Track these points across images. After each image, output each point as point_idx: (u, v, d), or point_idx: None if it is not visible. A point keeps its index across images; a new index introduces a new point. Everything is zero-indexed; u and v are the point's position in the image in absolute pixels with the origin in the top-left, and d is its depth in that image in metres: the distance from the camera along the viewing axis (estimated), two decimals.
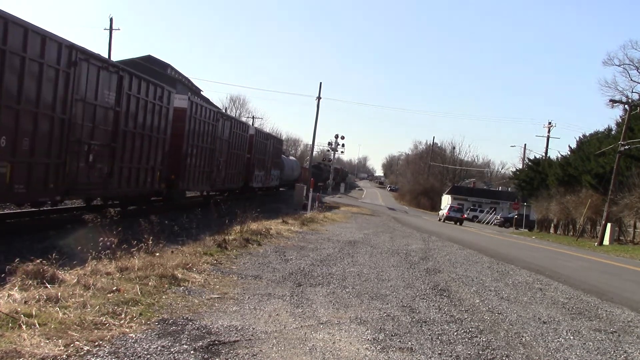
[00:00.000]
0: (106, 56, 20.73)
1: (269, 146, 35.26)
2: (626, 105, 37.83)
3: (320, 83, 50.04)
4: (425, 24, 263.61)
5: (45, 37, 11.02)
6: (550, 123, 56.96)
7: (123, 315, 5.41)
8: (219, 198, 25.72)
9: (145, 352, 4.56)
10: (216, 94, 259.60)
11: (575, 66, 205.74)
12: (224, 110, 53.45)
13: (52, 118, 11.54)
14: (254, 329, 5.60)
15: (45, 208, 15.09)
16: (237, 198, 29.44)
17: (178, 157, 19.53)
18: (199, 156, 21.87)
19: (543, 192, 44.93)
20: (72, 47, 12.00)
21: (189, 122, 20.14)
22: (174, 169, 19.32)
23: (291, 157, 63.12)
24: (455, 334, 6.29)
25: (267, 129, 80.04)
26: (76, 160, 12.74)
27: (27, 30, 10.41)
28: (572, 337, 6.75)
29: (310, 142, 58.68)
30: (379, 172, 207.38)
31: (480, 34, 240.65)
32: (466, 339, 6.10)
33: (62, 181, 12.13)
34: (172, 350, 4.68)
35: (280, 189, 47.56)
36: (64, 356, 4.26)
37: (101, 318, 5.21)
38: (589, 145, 41.89)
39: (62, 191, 12.30)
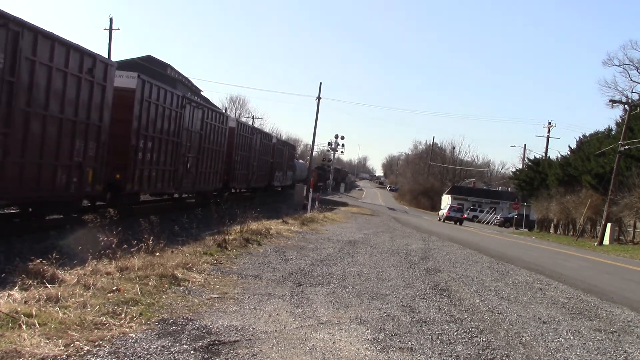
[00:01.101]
0: (106, 56, 20.42)
1: (285, 152, 41.29)
2: (626, 105, 37.82)
3: (320, 83, 50.15)
4: (425, 24, 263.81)
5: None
6: (550, 123, 56.96)
7: (123, 315, 5.41)
8: (248, 194, 32.91)
9: (145, 352, 4.56)
10: (216, 94, 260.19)
11: (575, 66, 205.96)
12: (223, 111, 53.54)
13: None
14: (254, 328, 5.60)
15: None
16: (262, 195, 36.84)
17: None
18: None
19: (543, 192, 44.92)
20: None
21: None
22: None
23: (300, 160, 66.55)
24: (455, 333, 6.29)
25: (267, 129, 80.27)
26: None
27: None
28: (572, 337, 6.75)
29: (310, 142, 58.97)
30: (379, 172, 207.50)
31: (481, 34, 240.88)
32: (466, 339, 6.10)
33: None
34: (172, 350, 4.69)
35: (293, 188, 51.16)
36: (64, 356, 4.26)
37: (101, 318, 5.21)
38: (589, 146, 41.88)
39: None
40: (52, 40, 11.25)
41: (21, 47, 10.21)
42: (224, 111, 42.65)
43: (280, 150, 41.96)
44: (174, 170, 18.83)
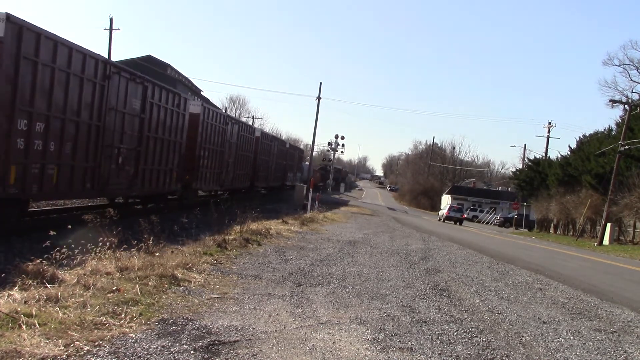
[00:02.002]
0: (106, 56, 20.35)
1: (295, 155, 46.46)
2: (626, 105, 37.82)
3: (320, 83, 50.14)
4: (425, 24, 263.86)
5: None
6: (550, 123, 57.02)
7: (123, 315, 5.41)
8: (263, 191, 38.85)
9: (145, 352, 4.56)
10: (216, 94, 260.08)
11: (575, 66, 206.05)
12: (224, 111, 53.88)
13: None
14: (254, 329, 5.60)
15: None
16: (277, 192, 42.53)
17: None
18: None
19: (543, 192, 44.94)
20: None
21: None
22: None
23: (306, 163, 70.54)
24: (455, 334, 6.29)
25: (267, 129, 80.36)
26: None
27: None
28: (572, 337, 6.76)
29: (310, 142, 59.34)
30: (379, 172, 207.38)
31: (481, 34, 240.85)
32: (466, 339, 6.10)
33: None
34: (172, 350, 4.69)
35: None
36: (64, 356, 4.26)
37: (101, 318, 5.21)
38: (589, 146, 41.89)
39: None
40: (161, 88, 17.17)
41: (148, 95, 16.03)
42: (250, 123, 50.01)
43: (292, 154, 48.97)
44: (219, 172, 24.29)
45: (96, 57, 13.31)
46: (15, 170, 10.73)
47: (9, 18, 10.05)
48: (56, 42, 11.50)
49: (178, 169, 19.32)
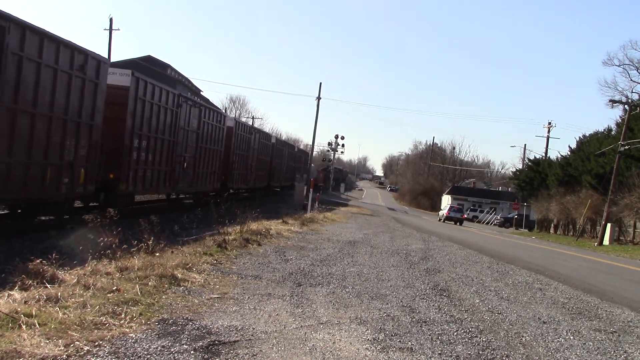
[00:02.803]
0: (106, 56, 20.34)
1: (303, 158, 52.94)
2: (626, 106, 37.82)
3: (320, 83, 50.18)
4: (425, 24, 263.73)
5: None
6: (550, 123, 57.02)
7: (123, 315, 5.41)
8: (277, 189, 44.46)
9: (145, 352, 4.56)
10: (216, 94, 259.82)
11: (575, 66, 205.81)
12: (223, 110, 54.21)
13: None
14: (254, 329, 5.60)
15: None
16: (288, 189, 46.65)
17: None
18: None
19: (543, 192, 44.93)
20: None
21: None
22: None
23: (312, 164, 73.25)
24: (455, 334, 6.29)
25: (267, 129, 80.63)
26: None
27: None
28: (572, 337, 6.76)
29: (310, 142, 59.77)
30: (379, 172, 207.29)
31: (481, 34, 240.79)
32: (466, 339, 6.10)
33: None
34: (172, 350, 4.69)
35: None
36: (64, 356, 4.26)
37: (101, 318, 5.21)
38: (589, 146, 41.89)
39: None
40: (210, 109, 21.72)
41: (202, 116, 20.72)
42: (268, 132, 54.63)
43: (300, 157, 56.68)
44: (245, 174, 28.74)
45: (173, 92, 18.82)
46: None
47: (133, 74, 15.35)
48: (154, 86, 16.93)
49: (218, 172, 24.33)
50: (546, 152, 55.77)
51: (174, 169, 19.10)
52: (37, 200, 11.84)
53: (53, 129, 11.55)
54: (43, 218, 13.08)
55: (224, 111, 48.54)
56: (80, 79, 12.49)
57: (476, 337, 6.25)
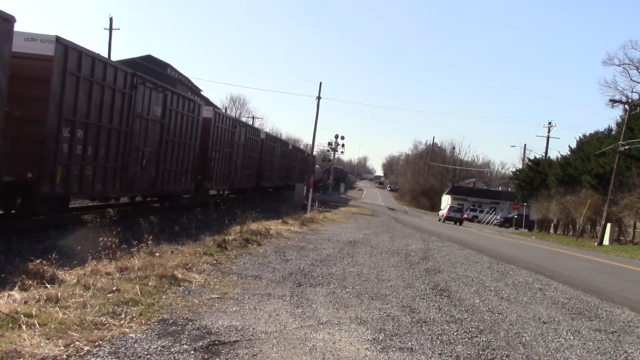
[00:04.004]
0: (106, 56, 20.30)
1: (310, 160, 52.94)
2: (626, 105, 37.84)
3: (320, 83, 50.09)
4: (425, 24, 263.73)
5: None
6: (550, 123, 57.07)
7: (123, 315, 5.41)
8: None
9: (145, 352, 4.56)
10: (216, 94, 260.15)
11: (575, 66, 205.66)
12: (223, 110, 54.20)
13: None
14: (254, 329, 5.60)
15: None
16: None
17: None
18: None
19: (543, 192, 44.93)
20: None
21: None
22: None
23: (317, 166, 79.69)
24: (455, 334, 6.29)
25: (267, 128, 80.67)
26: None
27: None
28: (572, 337, 6.76)
29: (310, 142, 59.99)
30: (379, 172, 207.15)
31: (481, 33, 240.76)
32: (466, 339, 6.10)
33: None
34: (172, 350, 4.69)
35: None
36: (64, 356, 4.26)
37: (101, 318, 5.21)
38: (589, 146, 41.91)
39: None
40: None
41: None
42: (283, 138, 63.58)
43: (307, 160, 58.74)
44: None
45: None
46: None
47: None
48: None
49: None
50: (546, 152, 55.89)
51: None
52: None
53: None
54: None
55: (223, 110, 48.52)
56: (192, 117, 14.21)
57: (476, 337, 6.25)
